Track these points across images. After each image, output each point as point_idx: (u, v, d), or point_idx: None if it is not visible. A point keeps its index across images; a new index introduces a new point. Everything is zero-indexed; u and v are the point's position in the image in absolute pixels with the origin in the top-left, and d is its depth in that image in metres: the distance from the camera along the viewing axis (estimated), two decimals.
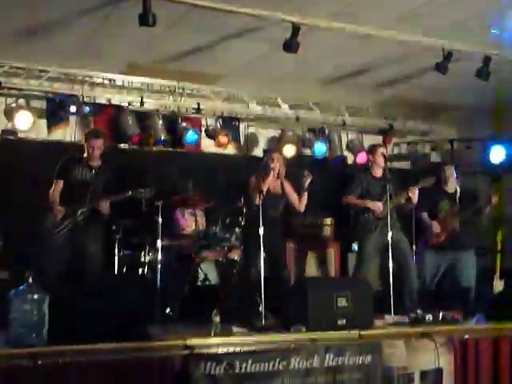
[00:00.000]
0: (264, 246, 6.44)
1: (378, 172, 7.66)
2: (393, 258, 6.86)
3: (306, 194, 7.22)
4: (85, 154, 7.15)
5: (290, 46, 6.76)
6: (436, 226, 7.87)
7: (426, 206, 7.86)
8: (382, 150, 7.75)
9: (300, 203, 7.29)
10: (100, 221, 7.16)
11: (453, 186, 8.03)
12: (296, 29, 6.62)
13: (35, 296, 4.84)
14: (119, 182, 7.26)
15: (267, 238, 6.49)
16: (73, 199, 6.98)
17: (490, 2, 6.51)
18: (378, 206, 7.45)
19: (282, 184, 7.20)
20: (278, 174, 7.16)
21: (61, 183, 7.08)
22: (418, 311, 6.61)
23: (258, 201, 6.64)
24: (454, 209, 7.94)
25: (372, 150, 7.86)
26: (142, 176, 8.72)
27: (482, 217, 7.98)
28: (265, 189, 6.92)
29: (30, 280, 4.88)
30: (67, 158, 7.19)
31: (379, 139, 10.27)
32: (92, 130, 7.71)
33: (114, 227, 7.66)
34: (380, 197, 7.46)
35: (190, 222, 8.29)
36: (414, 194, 7.45)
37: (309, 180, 7.12)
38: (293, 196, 7.26)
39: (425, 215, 7.94)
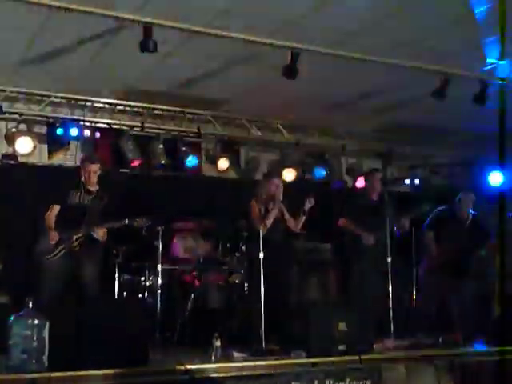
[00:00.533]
0: (267, 271, 6.46)
1: (375, 196, 7.69)
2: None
3: (303, 217, 7.25)
4: (82, 179, 7.14)
5: (290, 72, 6.81)
6: (437, 249, 7.88)
7: (433, 227, 7.88)
8: (379, 175, 7.80)
9: (296, 225, 7.40)
10: (97, 246, 7.10)
11: (466, 213, 8.02)
12: (295, 55, 6.68)
13: (35, 321, 4.85)
14: (119, 206, 7.25)
15: (270, 262, 6.51)
16: (69, 223, 6.94)
17: (486, 31, 6.59)
18: (370, 239, 7.47)
19: (281, 210, 7.24)
20: (278, 200, 7.19)
21: (57, 208, 7.03)
22: (412, 335, 6.64)
23: (262, 230, 6.73)
24: (462, 237, 7.94)
25: (369, 175, 7.91)
26: (142, 201, 8.74)
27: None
28: (270, 221, 6.99)
29: (30, 305, 4.89)
30: (65, 183, 7.17)
31: (379, 164, 10.31)
32: (87, 155, 7.69)
33: (114, 252, 7.67)
34: (375, 223, 7.47)
35: (191, 246, 8.28)
36: (404, 224, 7.53)
37: (309, 205, 7.16)
38: (290, 220, 7.32)
39: (430, 236, 7.95)
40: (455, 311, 7.81)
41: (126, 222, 7.05)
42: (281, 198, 7.23)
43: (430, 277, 7.82)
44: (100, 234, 6.95)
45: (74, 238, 6.91)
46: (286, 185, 9.11)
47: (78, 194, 7.08)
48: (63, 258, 6.91)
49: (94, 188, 7.15)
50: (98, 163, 7.17)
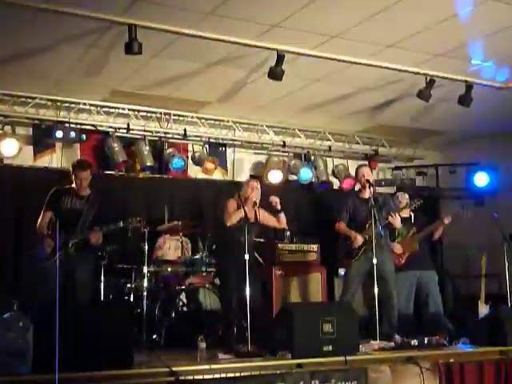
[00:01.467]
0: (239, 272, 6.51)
1: (365, 193, 7.70)
2: (377, 283, 6.95)
3: (281, 213, 7.30)
4: (73, 185, 7.07)
5: (275, 73, 6.83)
6: (398, 248, 8.01)
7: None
8: (365, 169, 7.82)
9: (280, 223, 7.42)
10: (90, 250, 7.04)
11: (407, 211, 8.12)
12: (281, 57, 6.69)
13: (20, 324, 4.83)
14: (106, 209, 7.21)
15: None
16: (63, 229, 6.86)
17: (471, 33, 6.63)
18: (357, 240, 7.48)
19: (255, 212, 7.22)
20: (254, 203, 7.18)
21: (49, 214, 6.97)
22: (396, 336, 6.66)
23: (231, 223, 6.94)
24: (411, 232, 8.13)
25: (356, 170, 7.95)
26: (128, 203, 8.73)
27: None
28: (236, 218, 7.02)
29: (15, 308, 4.88)
30: (56, 189, 7.08)
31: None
32: (78, 161, 7.50)
33: (99, 253, 7.63)
34: (366, 220, 7.50)
35: (176, 248, 8.27)
36: (396, 218, 7.57)
37: (275, 202, 7.27)
38: (270, 221, 7.35)
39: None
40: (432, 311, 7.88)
41: (121, 224, 7.03)
42: (257, 200, 7.21)
43: (399, 275, 7.83)
44: (96, 238, 6.91)
45: (71, 243, 6.85)
46: (272, 186, 9.26)
47: (70, 198, 7.01)
48: (60, 263, 6.81)
49: (85, 193, 7.10)
50: (89, 170, 7.12)
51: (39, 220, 6.98)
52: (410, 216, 8.23)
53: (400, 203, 8.16)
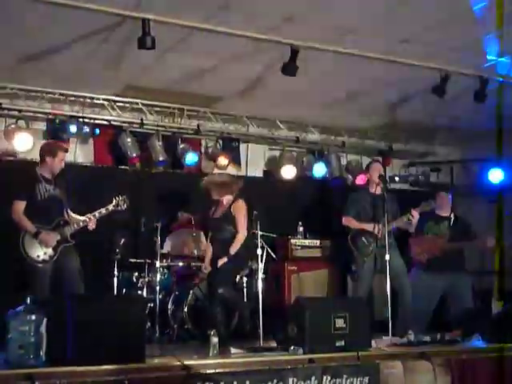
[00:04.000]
0: None
1: (376, 189, 7.68)
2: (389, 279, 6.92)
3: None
4: (40, 170, 6.87)
5: (289, 69, 6.81)
6: (414, 244, 7.83)
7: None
8: (377, 165, 7.80)
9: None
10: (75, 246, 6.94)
11: (448, 210, 8.01)
12: (295, 52, 6.67)
13: (33, 317, 4.86)
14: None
15: None
16: (43, 218, 6.69)
17: (486, 28, 6.59)
18: (375, 227, 7.47)
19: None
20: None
21: (22, 205, 6.67)
22: (410, 332, 6.63)
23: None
24: (444, 233, 7.88)
25: (368, 166, 7.92)
26: (141, 197, 8.75)
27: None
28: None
29: (28, 301, 4.91)
30: (27, 177, 6.90)
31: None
32: (57, 142, 7.39)
33: (112, 247, 7.67)
34: (378, 216, 7.49)
35: (189, 242, 8.29)
36: (415, 218, 7.52)
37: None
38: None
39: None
40: (454, 308, 7.77)
41: (111, 207, 7.03)
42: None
43: (424, 275, 7.76)
44: (92, 224, 6.91)
45: (69, 234, 6.84)
46: (285, 182, 9.26)
47: (39, 185, 6.78)
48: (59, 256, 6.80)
49: (51, 177, 6.90)
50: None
51: (13, 211, 6.70)
52: (450, 218, 8.00)
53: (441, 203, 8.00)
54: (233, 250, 7.05)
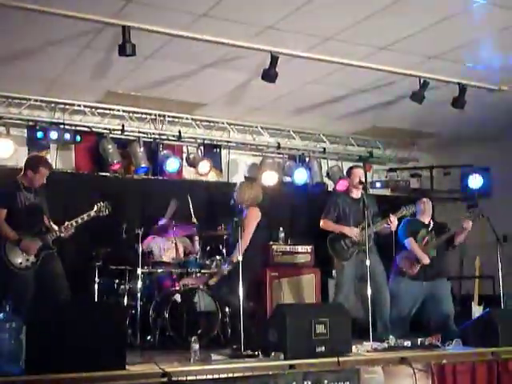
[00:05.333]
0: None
1: (356, 194, 7.71)
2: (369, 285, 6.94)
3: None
4: (21, 179, 6.87)
5: (269, 75, 6.84)
6: (422, 255, 7.77)
7: (409, 233, 7.90)
8: (357, 170, 7.82)
9: None
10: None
11: (429, 216, 8.08)
12: (274, 58, 6.71)
13: (12, 324, 4.84)
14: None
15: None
16: (25, 223, 6.74)
17: (465, 36, 6.66)
18: (354, 232, 7.51)
19: None
20: None
21: (3, 213, 6.70)
22: (390, 337, 6.66)
23: None
24: (430, 239, 7.92)
25: (349, 171, 7.95)
26: (123, 204, 8.72)
27: (457, 244, 8.04)
28: None
29: (7, 308, 4.89)
30: (8, 186, 6.92)
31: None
32: (43, 158, 7.38)
33: (93, 254, 7.65)
34: (357, 220, 7.52)
35: (170, 249, 8.28)
36: (393, 222, 7.56)
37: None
38: None
39: (411, 241, 7.87)
40: (435, 313, 7.81)
41: (93, 213, 7.04)
42: None
43: (405, 283, 7.79)
44: (69, 232, 6.92)
45: (50, 241, 6.84)
46: (267, 188, 9.27)
47: (20, 194, 6.79)
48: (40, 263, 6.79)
49: (31, 187, 6.91)
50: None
51: None
52: (429, 223, 8.04)
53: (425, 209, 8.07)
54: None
